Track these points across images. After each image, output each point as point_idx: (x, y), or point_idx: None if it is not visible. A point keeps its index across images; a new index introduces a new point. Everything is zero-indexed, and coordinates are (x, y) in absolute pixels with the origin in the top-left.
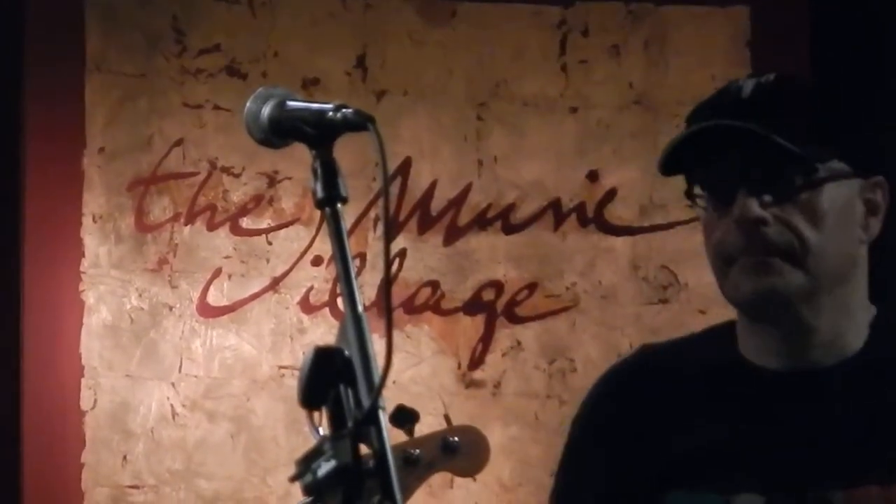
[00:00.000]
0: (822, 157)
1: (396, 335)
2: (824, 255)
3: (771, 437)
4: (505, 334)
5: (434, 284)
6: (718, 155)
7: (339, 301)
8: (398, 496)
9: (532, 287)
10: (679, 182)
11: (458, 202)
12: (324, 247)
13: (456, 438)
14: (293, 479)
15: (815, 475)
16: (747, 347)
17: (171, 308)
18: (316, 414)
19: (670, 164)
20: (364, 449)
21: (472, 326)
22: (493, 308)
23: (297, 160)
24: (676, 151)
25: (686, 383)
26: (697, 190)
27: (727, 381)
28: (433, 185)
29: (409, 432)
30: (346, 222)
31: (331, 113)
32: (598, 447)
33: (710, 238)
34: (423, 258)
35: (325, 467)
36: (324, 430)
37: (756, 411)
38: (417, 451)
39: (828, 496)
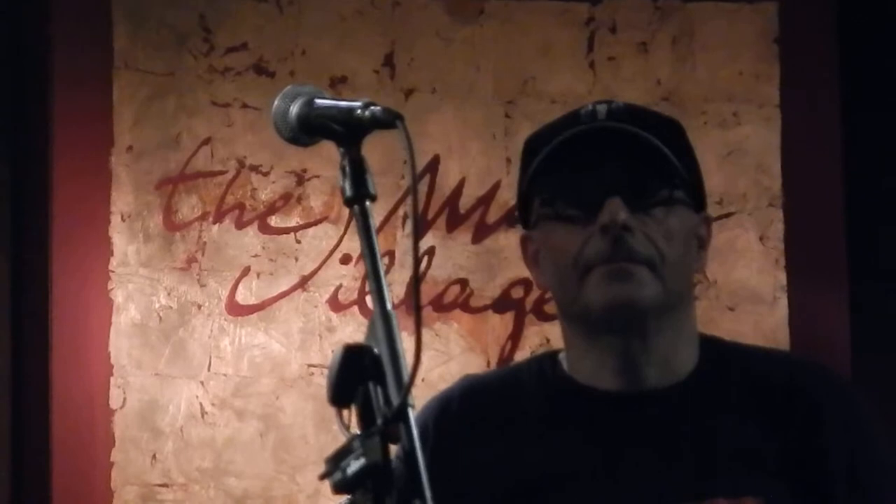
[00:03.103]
0: (681, 177)
1: (425, 333)
2: (677, 271)
3: (614, 457)
4: (534, 332)
5: (463, 282)
6: (578, 165)
7: (368, 299)
8: (428, 494)
9: None
10: (707, 180)
11: (486, 200)
12: (352, 245)
13: None
14: (322, 477)
15: (662, 493)
16: (579, 370)
17: (199, 307)
18: (345, 412)
19: (540, 171)
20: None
21: (501, 324)
22: (522, 306)
23: (326, 158)
24: (548, 157)
25: (518, 410)
26: (538, 204)
27: (562, 404)
28: (462, 183)
29: None
30: (375, 220)
31: (359, 110)
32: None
33: (564, 249)
34: (451, 256)
35: (354, 465)
36: (353, 428)
37: (596, 433)
38: None
39: None
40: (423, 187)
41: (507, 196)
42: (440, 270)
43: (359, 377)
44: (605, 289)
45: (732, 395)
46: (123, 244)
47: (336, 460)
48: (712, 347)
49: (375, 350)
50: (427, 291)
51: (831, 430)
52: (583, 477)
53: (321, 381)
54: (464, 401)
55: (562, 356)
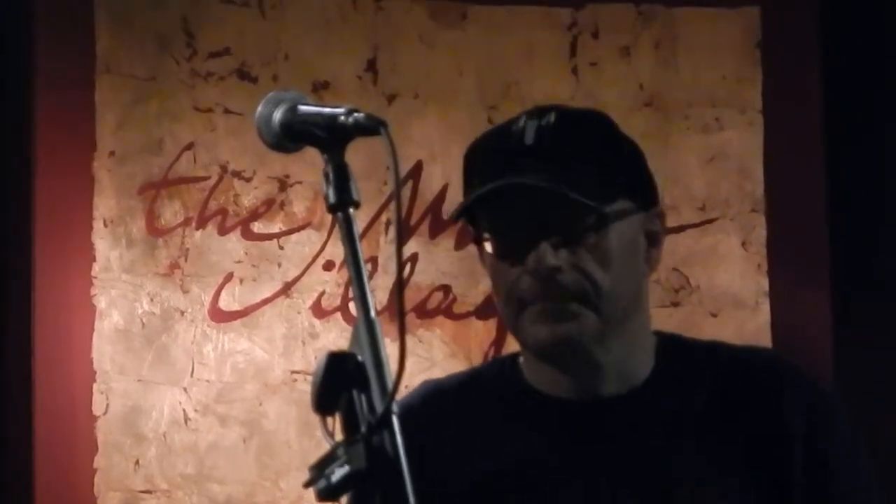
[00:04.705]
0: (610, 198)
1: (409, 339)
2: (614, 296)
3: (573, 468)
4: None
5: (446, 288)
6: (507, 204)
7: (352, 305)
8: (412, 500)
9: None
10: (690, 185)
11: None
12: (335, 251)
13: None
14: (307, 484)
15: (622, 499)
16: (537, 379)
17: (182, 312)
18: (329, 419)
19: (470, 205)
20: None
21: (484, 330)
22: None
23: (309, 164)
24: (468, 203)
25: (479, 416)
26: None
27: (520, 411)
28: (445, 189)
29: None
30: (358, 226)
31: (342, 117)
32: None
33: (500, 282)
34: (434, 262)
35: (339, 473)
36: (338, 435)
37: (555, 442)
38: None
39: None
40: (406, 193)
41: None
42: (423, 276)
43: (342, 384)
44: (540, 328)
45: (690, 395)
46: (106, 249)
47: (320, 468)
48: (669, 347)
49: (359, 357)
50: (410, 298)
51: (789, 418)
52: (541, 487)
53: (304, 387)
54: (425, 407)
55: (521, 359)
